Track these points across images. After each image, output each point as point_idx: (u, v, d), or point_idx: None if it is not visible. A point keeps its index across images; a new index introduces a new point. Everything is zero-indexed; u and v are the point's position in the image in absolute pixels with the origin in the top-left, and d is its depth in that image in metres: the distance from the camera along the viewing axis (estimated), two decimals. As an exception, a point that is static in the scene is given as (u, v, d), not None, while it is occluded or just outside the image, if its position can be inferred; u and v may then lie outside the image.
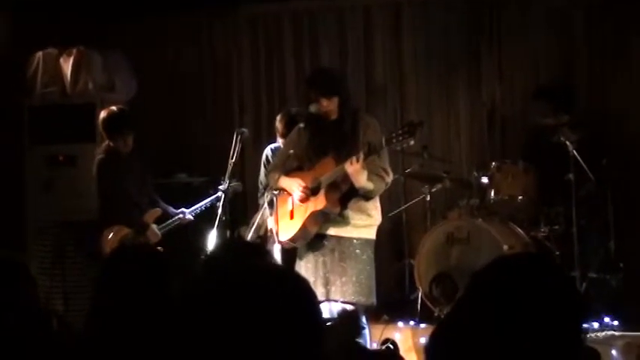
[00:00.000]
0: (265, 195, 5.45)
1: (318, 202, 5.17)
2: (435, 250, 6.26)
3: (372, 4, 7.92)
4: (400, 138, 4.89)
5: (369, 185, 5.10)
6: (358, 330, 5.25)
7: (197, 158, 7.92)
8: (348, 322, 5.21)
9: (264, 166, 6.69)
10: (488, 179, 6.41)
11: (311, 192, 5.20)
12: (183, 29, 8.34)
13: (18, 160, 7.53)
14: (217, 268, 1.78)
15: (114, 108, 6.43)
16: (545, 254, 6.06)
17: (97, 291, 2.79)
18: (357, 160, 4.92)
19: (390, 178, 5.27)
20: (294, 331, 1.63)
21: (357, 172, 4.97)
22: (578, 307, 1.99)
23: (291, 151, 5.33)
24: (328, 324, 5.01)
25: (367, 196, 5.20)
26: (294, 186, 5.23)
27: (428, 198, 6.77)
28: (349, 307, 5.21)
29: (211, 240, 5.54)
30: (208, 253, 5.34)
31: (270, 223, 5.52)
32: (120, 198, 6.27)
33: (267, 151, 6.77)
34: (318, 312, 1.73)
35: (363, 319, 5.30)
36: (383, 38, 7.86)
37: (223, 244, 5.35)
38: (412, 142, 4.94)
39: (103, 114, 6.40)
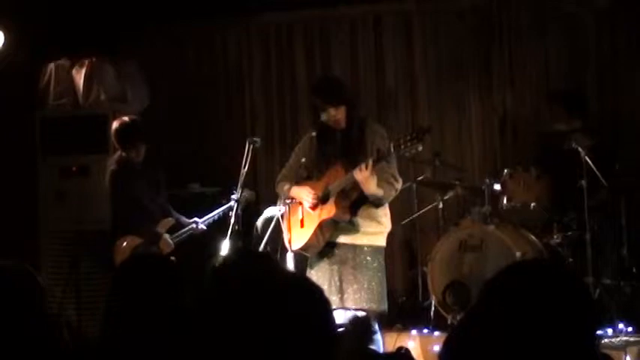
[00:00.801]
0: (278, 204, 5.45)
1: (328, 210, 5.18)
2: (447, 257, 6.25)
3: (382, 13, 7.93)
4: (409, 144, 4.88)
5: (379, 192, 5.10)
6: (370, 336, 5.25)
7: (210, 168, 7.93)
8: (360, 328, 5.21)
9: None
10: (501, 186, 6.40)
11: (321, 200, 5.21)
12: (195, 39, 8.37)
13: (31, 172, 7.56)
14: (229, 276, 1.78)
15: (126, 118, 6.44)
16: (559, 261, 6.04)
17: (109, 301, 2.80)
18: (366, 167, 4.92)
19: (399, 185, 5.27)
20: (307, 338, 1.63)
21: (366, 180, 4.97)
22: (591, 313, 1.99)
23: (304, 160, 5.33)
24: (340, 330, 5.01)
25: (377, 203, 5.20)
26: (304, 194, 5.24)
27: (440, 205, 6.76)
28: (361, 314, 5.21)
29: (224, 249, 5.54)
30: (217, 262, 5.34)
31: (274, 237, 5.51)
32: (132, 208, 6.28)
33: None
34: (331, 319, 1.73)
35: (375, 326, 5.30)
36: (394, 46, 7.86)
37: (234, 253, 5.36)
38: (420, 148, 4.92)
39: (115, 124, 6.42)
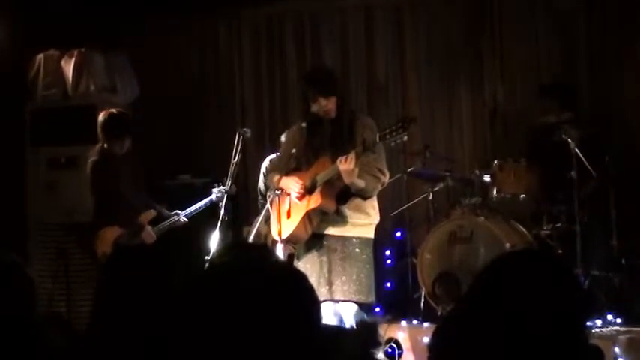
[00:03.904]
0: (268, 195, 5.45)
1: (314, 201, 5.18)
2: (437, 249, 6.26)
3: (373, 5, 7.92)
4: (394, 134, 4.88)
5: (360, 183, 5.09)
6: (375, 342, 5.24)
7: (200, 159, 7.92)
8: (366, 333, 5.20)
9: (264, 176, 6.66)
10: (491, 178, 6.41)
11: (307, 191, 5.21)
12: (185, 30, 8.35)
13: (20, 162, 7.53)
14: (219, 266, 1.78)
15: (114, 111, 6.38)
16: (549, 251, 6.06)
17: (98, 293, 2.79)
18: (350, 158, 4.92)
19: (386, 179, 5.27)
20: (291, 328, 1.62)
21: (347, 170, 4.97)
22: (581, 303, 1.99)
23: (294, 151, 5.32)
24: (346, 332, 5.00)
25: (362, 195, 5.21)
26: (291, 185, 5.24)
27: (430, 197, 6.77)
28: (370, 319, 5.21)
29: (214, 241, 5.53)
30: (213, 254, 5.33)
31: (262, 228, 5.52)
32: (114, 199, 6.24)
33: (267, 162, 6.73)
34: (318, 309, 1.72)
35: (381, 336, 5.31)
36: (385, 38, 7.86)
37: (226, 245, 5.35)
38: (405, 138, 4.93)
39: (102, 116, 6.33)
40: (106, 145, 6.29)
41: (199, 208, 6.45)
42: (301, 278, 1.71)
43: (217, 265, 1.81)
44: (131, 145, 6.36)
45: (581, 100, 6.97)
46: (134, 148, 6.42)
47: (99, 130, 6.33)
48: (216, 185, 5.95)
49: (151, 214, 6.38)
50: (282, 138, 6.60)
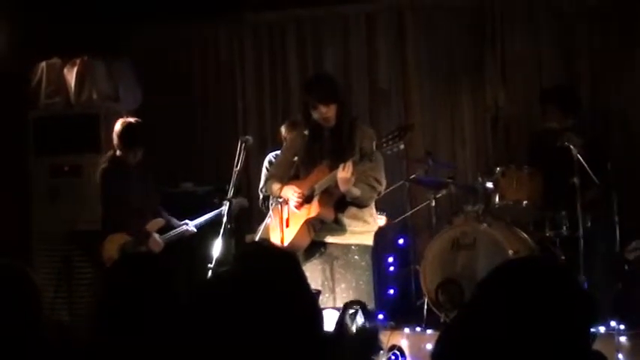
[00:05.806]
0: (270, 203, 5.45)
1: (313, 210, 5.18)
2: (440, 256, 6.25)
3: (375, 11, 7.93)
4: (391, 142, 4.88)
5: (355, 191, 5.10)
6: (375, 348, 5.24)
7: (202, 167, 7.92)
8: (366, 339, 5.20)
9: (265, 180, 6.63)
10: (493, 184, 6.40)
11: (305, 199, 5.21)
12: (187, 37, 8.35)
13: (23, 171, 7.54)
14: (222, 273, 1.78)
15: (132, 120, 6.40)
16: (551, 258, 6.05)
17: (99, 300, 2.78)
18: (348, 166, 4.92)
19: (381, 188, 5.28)
20: (294, 333, 1.62)
21: (345, 178, 4.97)
22: (584, 309, 1.99)
23: (296, 159, 5.32)
24: (347, 338, 5.00)
25: (357, 203, 5.21)
26: (289, 193, 5.24)
27: (433, 204, 6.77)
28: (371, 325, 5.20)
29: (216, 248, 5.53)
30: (215, 261, 5.32)
31: (263, 233, 5.52)
32: (122, 207, 6.27)
33: (271, 156, 6.70)
34: (319, 315, 1.73)
35: (381, 341, 5.29)
36: (386, 44, 7.86)
37: (238, 253, 5.34)
38: (402, 146, 4.95)
39: (120, 125, 6.34)
40: (118, 153, 6.33)
41: (209, 218, 6.45)
42: (304, 284, 1.71)
43: (221, 272, 1.81)
44: (142, 155, 6.40)
45: (583, 105, 6.96)
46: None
47: (115, 138, 6.35)
48: (226, 196, 5.97)
49: (159, 222, 6.41)
50: (282, 130, 6.57)
